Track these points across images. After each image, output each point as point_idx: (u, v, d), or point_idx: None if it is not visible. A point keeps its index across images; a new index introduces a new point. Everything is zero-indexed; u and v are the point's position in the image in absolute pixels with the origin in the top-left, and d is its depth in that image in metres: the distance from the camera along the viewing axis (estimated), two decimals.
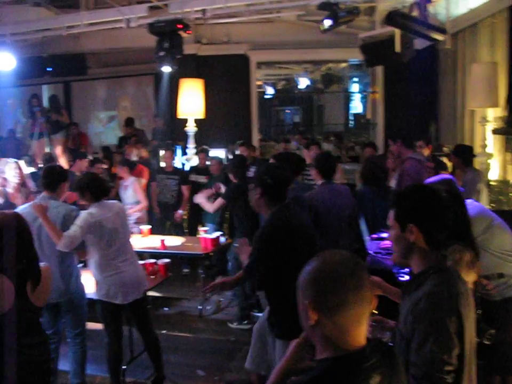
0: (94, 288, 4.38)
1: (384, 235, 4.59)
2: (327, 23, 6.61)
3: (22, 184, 5.84)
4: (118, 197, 7.00)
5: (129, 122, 10.72)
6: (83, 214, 4.18)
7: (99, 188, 4.38)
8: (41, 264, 2.97)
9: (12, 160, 5.99)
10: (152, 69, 11.20)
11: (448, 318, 1.94)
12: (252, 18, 8.84)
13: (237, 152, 8.06)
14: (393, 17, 6.19)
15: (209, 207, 6.03)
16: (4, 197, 5.67)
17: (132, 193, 7.11)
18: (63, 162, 7.09)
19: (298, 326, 1.66)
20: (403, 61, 7.16)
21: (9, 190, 5.73)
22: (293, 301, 1.66)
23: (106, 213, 4.27)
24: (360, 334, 1.53)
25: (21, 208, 4.23)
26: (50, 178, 4.29)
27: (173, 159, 8.02)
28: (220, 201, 5.86)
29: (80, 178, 4.75)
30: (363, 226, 5.25)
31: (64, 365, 4.51)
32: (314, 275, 1.54)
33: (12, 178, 5.72)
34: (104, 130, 12.48)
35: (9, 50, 8.20)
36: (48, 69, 9.97)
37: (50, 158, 7.06)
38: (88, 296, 4.46)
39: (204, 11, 7.19)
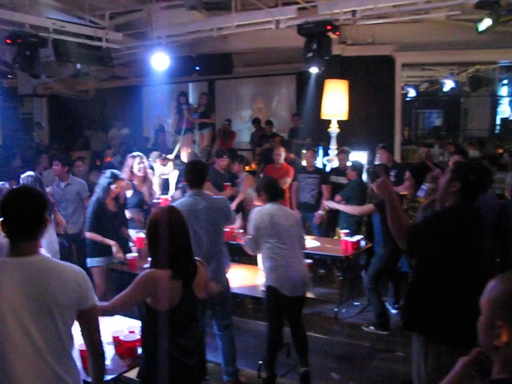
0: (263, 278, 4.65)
1: None
2: (486, 22, 6.24)
3: (145, 178, 6.25)
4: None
5: (269, 121, 10.95)
6: (255, 209, 4.55)
7: (275, 191, 4.71)
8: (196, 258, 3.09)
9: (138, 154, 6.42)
10: (294, 68, 11.38)
11: None
12: (399, 19, 8.62)
13: (377, 155, 7.88)
14: None
15: (354, 209, 5.99)
16: (133, 189, 6.10)
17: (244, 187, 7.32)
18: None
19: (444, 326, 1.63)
20: None
21: (135, 182, 6.16)
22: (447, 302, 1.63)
23: (278, 211, 4.54)
24: None
25: (177, 202, 4.45)
26: (195, 174, 4.43)
27: (315, 158, 8.04)
28: (369, 207, 5.78)
29: (260, 180, 5.04)
30: None
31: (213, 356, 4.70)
32: None
33: (137, 171, 6.15)
34: (244, 128, 12.81)
35: (163, 51, 8.73)
36: (196, 68, 10.46)
37: (195, 155, 7.42)
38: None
39: (354, 12, 7.13)
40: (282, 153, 7.92)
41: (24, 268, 2.30)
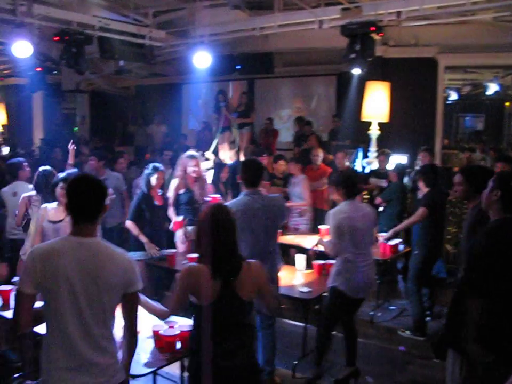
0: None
1: None
2: None
3: (198, 177, 6.27)
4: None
5: (308, 121, 10.92)
6: (333, 211, 4.50)
7: (353, 186, 4.63)
8: (252, 261, 3.10)
9: (193, 153, 6.45)
10: (335, 69, 11.32)
11: None
12: (443, 20, 8.48)
13: (419, 158, 7.78)
14: None
15: (412, 220, 5.89)
16: (184, 186, 6.13)
17: (300, 191, 7.25)
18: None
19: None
20: None
21: (188, 181, 6.19)
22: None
23: (355, 212, 4.50)
24: None
25: (233, 201, 4.49)
26: (249, 173, 4.43)
27: (354, 160, 7.99)
28: (422, 210, 5.70)
29: (338, 173, 5.05)
30: None
31: None
32: None
33: (191, 172, 6.17)
34: (283, 127, 12.78)
35: (205, 49, 8.80)
36: (237, 67, 10.49)
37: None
38: None
39: (398, 13, 7.05)
40: (320, 154, 7.91)
41: (82, 247, 2.59)
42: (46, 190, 5.36)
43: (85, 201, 2.64)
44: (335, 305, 4.66)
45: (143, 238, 5.71)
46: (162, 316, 3.26)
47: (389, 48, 9.88)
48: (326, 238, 4.88)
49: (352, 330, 4.87)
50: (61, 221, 5.12)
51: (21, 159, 6.64)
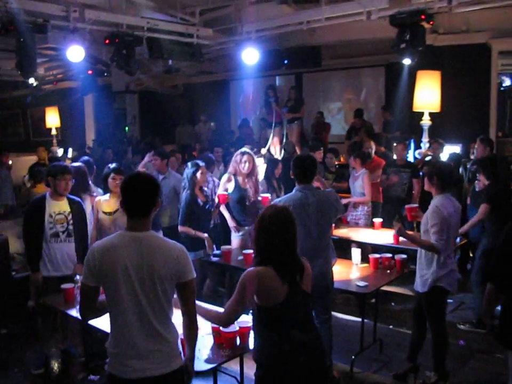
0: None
1: None
2: None
3: (250, 173, 6.26)
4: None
5: (359, 113, 10.79)
6: (434, 207, 4.36)
7: (449, 178, 4.50)
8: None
9: (246, 149, 6.46)
10: (383, 60, 11.16)
11: None
12: (495, 4, 8.17)
13: (474, 147, 7.57)
14: None
15: (477, 217, 5.72)
16: (235, 184, 6.14)
17: (361, 184, 7.16)
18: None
19: None
20: None
21: (239, 178, 6.19)
22: None
23: (451, 207, 4.40)
24: None
25: (286, 196, 4.51)
26: (304, 169, 4.42)
27: (406, 152, 7.86)
28: (485, 207, 5.56)
29: (432, 164, 4.88)
30: None
31: None
32: None
33: (243, 168, 6.17)
34: (332, 120, 12.69)
35: (253, 45, 8.82)
36: (284, 62, 10.47)
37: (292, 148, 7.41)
38: None
39: (450, 0, 6.87)
40: (372, 146, 7.83)
41: (136, 241, 2.77)
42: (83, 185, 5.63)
43: (137, 198, 2.83)
44: (442, 307, 4.61)
45: (201, 235, 5.74)
46: (223, 324, 3.21)
47: (439, 36, 9.65)
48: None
49: (425, 328, 4.74)
50: (115, 211, 5.27)
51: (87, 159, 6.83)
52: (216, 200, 6.05)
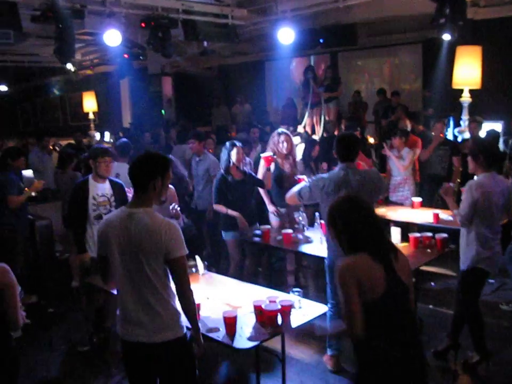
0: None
1: None
2: None
3: (289, 153, 6.24)
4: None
5: (395, 92, 10.64)
6: (470, 184, 4.30)
7: (494, 155, 4.36)
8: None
9: (283, 129, 6.44)
10: (420, 36, 10.92)
11: None
12: None
13: None
14: None
15: None
16: (275, 165, 6.13)
17: (406, 164, 7.06)
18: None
19: None
20: None
21: (278, 159, 6.17)
22: None
23: (494, 187, 4.29)
24: None
25: (327, 174, 4.49)
26: (347, 148, 4.39)
27: (445, 130, 7.72)
28: None
29: (477, 141, 4.76)
30: None
31: None
32: None
33: (281, 148, 6.16)
34: (368, 100, 12.50)
35: (289, 25, 8.74)
36: (320, 41, 10.36)
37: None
38: None
39: None
40: (408, 125, 7.71)
41: (130, 217, 2.94)
42: None
43: (134, 171, 3.00)
44: (478, 288, 4.53)
45: (233, 213, 5.78)
46: (355, 336, 2.57)
47: (480, 9, 9.35)
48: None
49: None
50: None
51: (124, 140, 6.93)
52: (262, 164, 6.03)
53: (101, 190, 5.04)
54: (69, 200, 5.27)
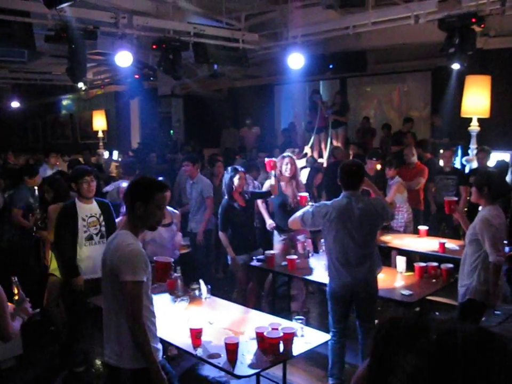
0: None
1: None
2: None
3: (293, 177, 6.24)
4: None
5: (407, 118, 10.63)
6: (483, 220, 4.24)
7: (500, 188, 4.38)
8: None
9: (287, 153, 6.45)
10: (430, 64, 10.96)
11: None
12: None
13: None
14: None
15: None
16: (278, 190, 6.13)
17: (390, 195, 7.06)
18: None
19: None
20: None
21: (282, 182, 6.18)
22: None
23: (501, 219, 4.30)
24: None
25: (331, 202, 4.46)
26: (350, 176, 4.40)
27: (453, 159, 7.71)
28: None
29: (483, 173, 4.75)
30: None
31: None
32: None
33: (284, 171, 6.17)
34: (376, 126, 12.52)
35: (299, 50, 8.80)
36: (330, 66, 10.42)
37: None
38: None
39: (503, 1, 6.65)
40: (414, 152, 7.71)
41: (114, 237, 3.14)
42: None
43: (124, 192, 3.23)
44: (476, 320, 4.49)
45: (230, 252, 5.85)
46: None
47: (490, 39, 9.37)
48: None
49: None
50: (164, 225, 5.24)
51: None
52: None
53: (89, 211, 5.03)
54: (56, 224, 5.08)
